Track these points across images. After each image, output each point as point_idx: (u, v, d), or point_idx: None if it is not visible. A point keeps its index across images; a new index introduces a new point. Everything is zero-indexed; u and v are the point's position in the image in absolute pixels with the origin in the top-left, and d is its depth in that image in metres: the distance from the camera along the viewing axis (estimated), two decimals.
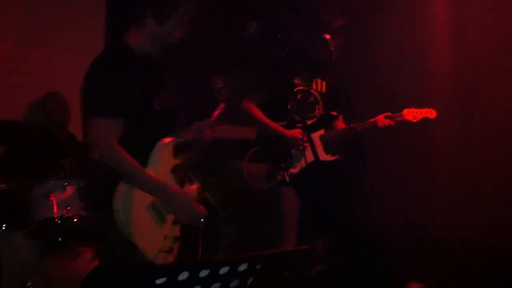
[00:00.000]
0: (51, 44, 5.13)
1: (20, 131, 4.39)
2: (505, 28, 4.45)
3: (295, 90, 4.06)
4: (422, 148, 4.77)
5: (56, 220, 3.65)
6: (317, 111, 4.10)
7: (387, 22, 4.75)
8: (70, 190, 3.72)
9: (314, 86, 4.14)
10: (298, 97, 4.07)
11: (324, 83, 4.15)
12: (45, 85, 4.81)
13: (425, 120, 3.89)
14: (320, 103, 4.11)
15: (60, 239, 3.74)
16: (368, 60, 4.80)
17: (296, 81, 4.10)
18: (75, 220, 3.68)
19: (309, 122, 4.05)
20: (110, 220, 2.48)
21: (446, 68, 4.75)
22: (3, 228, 3.72)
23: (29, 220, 3.70)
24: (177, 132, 2.74)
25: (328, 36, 3.93)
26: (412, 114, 3.89)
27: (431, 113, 3.90)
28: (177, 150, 2.71)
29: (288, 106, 4.02)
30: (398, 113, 3.90)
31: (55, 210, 3.67)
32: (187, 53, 3.75)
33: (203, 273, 1.89)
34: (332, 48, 3.97)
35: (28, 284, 3.45)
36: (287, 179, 3.70)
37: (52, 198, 3.66)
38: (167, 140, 2.66)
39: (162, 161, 2.63)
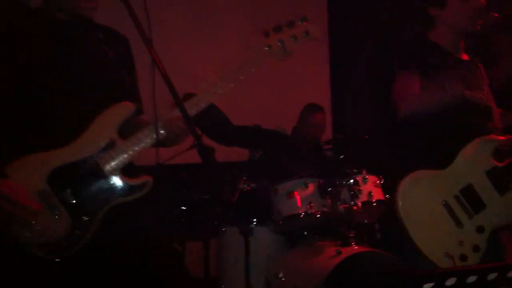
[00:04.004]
0: None
1: (276, 139, 4.73)
2: None
3: None
4: None
5: (301, 215, 3.84)
6: None
7: None
8: (311, 188, 3.89)
9: None
10: None
11: None
12: None
13: None
14: None
15: (305, 233, 3.97)
16: None
17: None
18: (317, 216, 3.84)
19: None
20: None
21: None
22: (254, 223, 4.05)
23: (276, 216, 3.96)
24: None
25: None
26: None
27: None
28: (499, 151, 2.60)
29: None
30: None
31: (299, 206, 3.87)
32: None
33: (470, 279, 1.85)
34: None
35: (280, 275, 3.69)
36: None
37: (296, 195, 3.88)
38: (491, 137, 2.56)
39: (477, 158, 2.53)
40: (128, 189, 2.17)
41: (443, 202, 2.45)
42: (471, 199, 2.50)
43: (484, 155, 2.48)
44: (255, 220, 4.08)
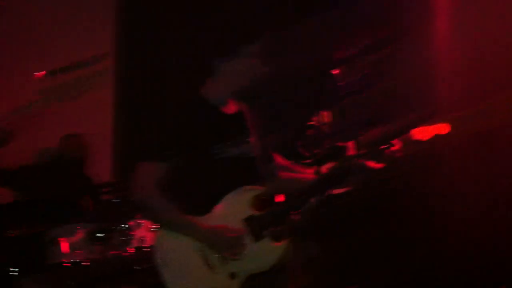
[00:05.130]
0: None
1: (32, 176, 4.42)
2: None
3: (305, 125, 4.03)
4: None
5: (68, 264, 3.61)
6: (327, 144, 4.06)
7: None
8: (79, 234, 3.70)
9: (323, 120, 4.11)
10: (308, 133, 4.03)
11: (330, 114, 4.12)
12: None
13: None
14: (330, 136, 4.07)
15: (72, 283, 3.71)
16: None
17: (303, 115, 4.07)
18: (85, 264, 3.63)
19: (318, 156, 4.00)
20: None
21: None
22: (16, 273, 3.69)
23: (41, 265, 3.67)
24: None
25: (336, 71, 3.91)
26: (422, 132, 3.73)
27: (443, 129, 3.73)
28: (257, 201, 2.59)
29: (298, 144, 3.98)
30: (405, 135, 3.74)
31: (66, 254, 3.64)
32: None
33: None
34: (343, 83, 3.94)
35: None
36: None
37: (62, 242, 3.64)
38: (249, 187, 2.55)
39: (234, 207, 2.52)
40: None
41: (198, 248, 2.45)
42: None
43: (242, 204, 2.54)
44: (17, 270, 3.72)
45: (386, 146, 3.50)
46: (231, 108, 2.71)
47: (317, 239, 3.88)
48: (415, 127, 3.78)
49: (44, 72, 5.39)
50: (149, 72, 5.34)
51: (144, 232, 3.82)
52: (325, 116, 4.15)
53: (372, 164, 3.34)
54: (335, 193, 3.92)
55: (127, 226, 3.80)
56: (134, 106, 5.39)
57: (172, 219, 2.46)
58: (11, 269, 3.73)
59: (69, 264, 3.65)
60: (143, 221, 3.81)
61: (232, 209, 2.53)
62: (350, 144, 4.03)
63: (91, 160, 4.76)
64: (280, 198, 2.80)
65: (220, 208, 2.53)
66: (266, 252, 2.55)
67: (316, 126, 4.08)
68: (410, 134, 3.72)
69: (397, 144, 3.66)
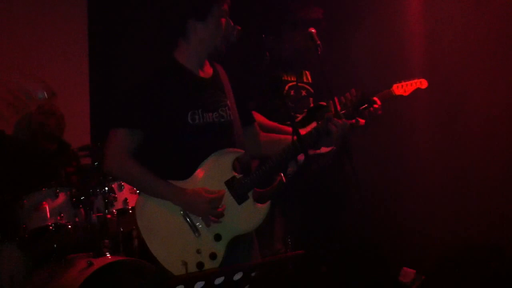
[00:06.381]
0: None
1: (9, 144, 4.35)
2: (482, 26, 4.44)
3: (286, 87, 4.00)
4: (408, 142, 4.77)
5: (50, 227, 3.60)
6: (312, 104, 4.04)
7: (367, 21, 4.73)
8: (62, 197, 3.67)
9: (304, 79, 4.08)
10: (291, 93, 4.01)
11: (308, 73, 4.10)
12: None
13: (416, 94, 3.75)
14: (313, 95, 4.05)
15: (54, 246, 3.71)
16: (347, 56, 4.76)
17: (285, 77, 4.04)
18: (69, 227, 3.63)
19: (300, 116, 3.99)
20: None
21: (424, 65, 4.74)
22: None
23: (23, 230, 3.65)
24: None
25: (313, 30, 3.86)
26: (402, 88, 3.77)
27: (421, 83, 3.77)
28: (238, 163, 2.61)
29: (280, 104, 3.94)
30: (387, 90, 3.77)
31: (48, 217, 3.62)
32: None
33: (199, 284, 1.87)
34: (318, 42, 3.89)
35: None
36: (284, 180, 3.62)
37: (45, 206, 3.62)
38: (229, 150, 2.56)
39: (215, 170, 2.53)
40: None
41: (181, 212, 2.46)
42: None
43: (223, 167, 2.54)
44: None
45: (365, 106, 3.53)
46: (207, 70, 2.70)
47: (298, 201, 3.93)
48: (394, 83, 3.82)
49: None
50: (123, 37, 5.24)
51: (127, 194, 3.81)
52: (307, 76, 4.14)
53: (352, 123, 3.38)
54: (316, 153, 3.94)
55: (108, 188, 3.78)
56: (108, 69, 5.32)
57: (150, 185, 2.45)
58: None
59: (52, 228, 3.62)
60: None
61: (213, 172, 2.52)
62: (331, 104, 4.05)
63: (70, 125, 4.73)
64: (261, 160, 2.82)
65: (201, 172, 2.53)
66: (250, 214, 2.56)
67: (297, 86, 4.06)
68: (391, 90, 3.76)
69: (375, 102, 3.71)
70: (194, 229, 2.44)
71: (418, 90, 3.79)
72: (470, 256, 4.24)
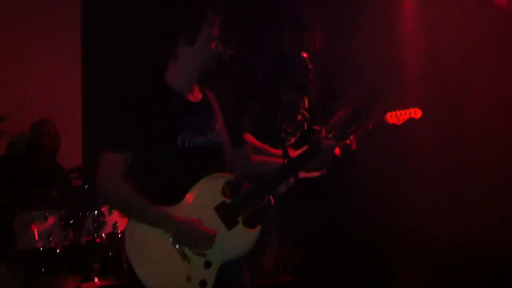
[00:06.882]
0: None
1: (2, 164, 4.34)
2: (482, 27, 4.46)
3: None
4: (407, 148, 4.77)
5: (38, 250, 3.58)
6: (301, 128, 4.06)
7: (367, 21, 4.74)
8: (51, 220, 3.66)
9: (301, 105, 4.10)
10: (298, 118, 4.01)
11: (306, 98, 4.12)
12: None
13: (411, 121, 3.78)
14: (308, 120, 4.07)
15: (43, 269, 3.68)
16: (347, 56, 4.76)
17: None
18: (57, 250, 3.61)
19: (292, 139, 4.00)
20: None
21: (423, 69, 4.77)
22: None
23: (11, 251, 3.63)
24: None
25: (305, 55, 3.89)
26: (396, 117, 3.79)
27: (415, 113, 3.79)
28: (228, 188, 2.56)
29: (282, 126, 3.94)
30: (381, 119, 3.80)
31: (36, 240, 3.60)
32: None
33: None
34: (310, 66, 3.92)
35: None
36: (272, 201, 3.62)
37: (33, 229, 3.60)
38: (218, 175, 2.54)
39: (205, 196, 2.50)
40: None
41: (171, 239, 2.44)
42: None
43: (213, 192, 2.52)
44: None
45: (353, 129, 3.56)
46: (197, 95, 2.68)
47: (289, 222, 3.93)
48: (388, 111, 3.85)
49: None
50: (115, 58, 5.26)
51: (117, 217, 3.80)
52: (305, 101, 4.16)
53: (340, 145, 3.40)
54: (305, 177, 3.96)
55: (99, 212, 3.78)
56: (100, 93, 5.32)
57: (140, 211, 2.42)
58: None
59: (41, 250, 3.60)
60: None
61: (202, 198, 2.49)
62: (321, 127, 4.07)
63: (62, 145, 4.72)
64: (251, 183, 2.82)
65: (190, 197, 2.51)
66: (240, 239, 2.53)
67: (303, 111, 4.05)
68: (385, 118, 3.79)
69: (365, 127, 3.74)
70: (184, 256, 2.43)
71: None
72: (470, 256, 4.24)
